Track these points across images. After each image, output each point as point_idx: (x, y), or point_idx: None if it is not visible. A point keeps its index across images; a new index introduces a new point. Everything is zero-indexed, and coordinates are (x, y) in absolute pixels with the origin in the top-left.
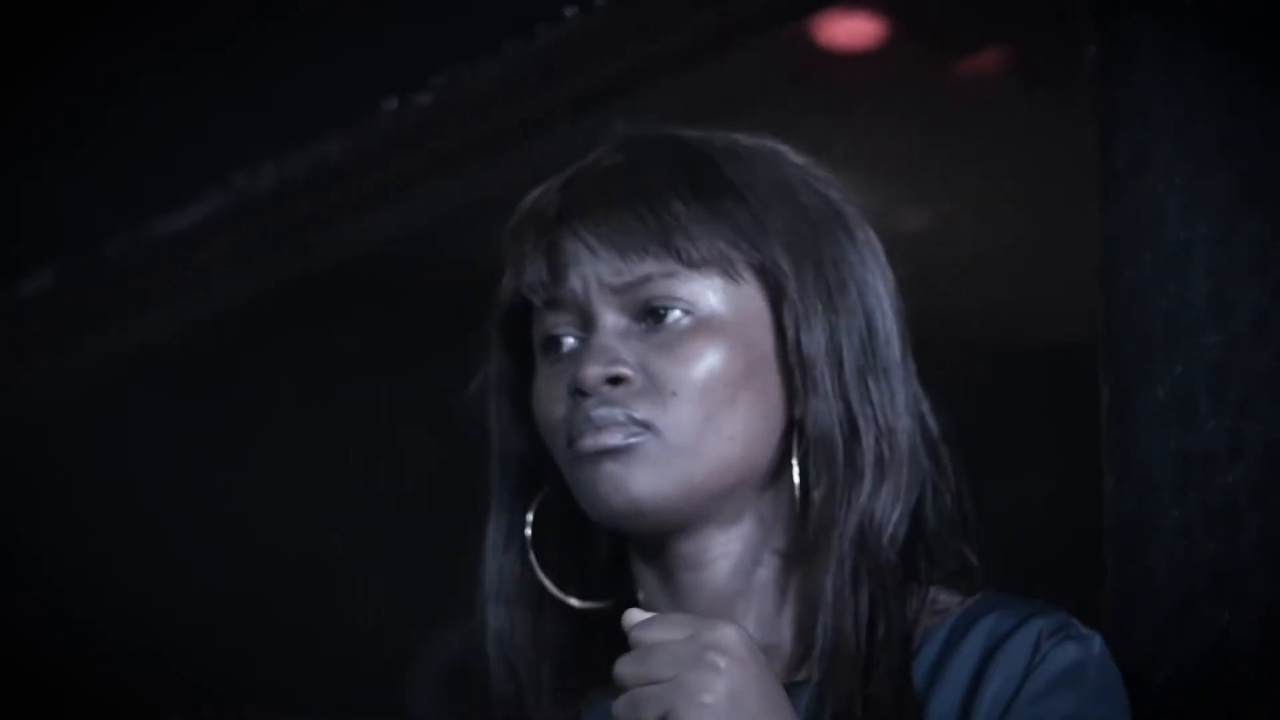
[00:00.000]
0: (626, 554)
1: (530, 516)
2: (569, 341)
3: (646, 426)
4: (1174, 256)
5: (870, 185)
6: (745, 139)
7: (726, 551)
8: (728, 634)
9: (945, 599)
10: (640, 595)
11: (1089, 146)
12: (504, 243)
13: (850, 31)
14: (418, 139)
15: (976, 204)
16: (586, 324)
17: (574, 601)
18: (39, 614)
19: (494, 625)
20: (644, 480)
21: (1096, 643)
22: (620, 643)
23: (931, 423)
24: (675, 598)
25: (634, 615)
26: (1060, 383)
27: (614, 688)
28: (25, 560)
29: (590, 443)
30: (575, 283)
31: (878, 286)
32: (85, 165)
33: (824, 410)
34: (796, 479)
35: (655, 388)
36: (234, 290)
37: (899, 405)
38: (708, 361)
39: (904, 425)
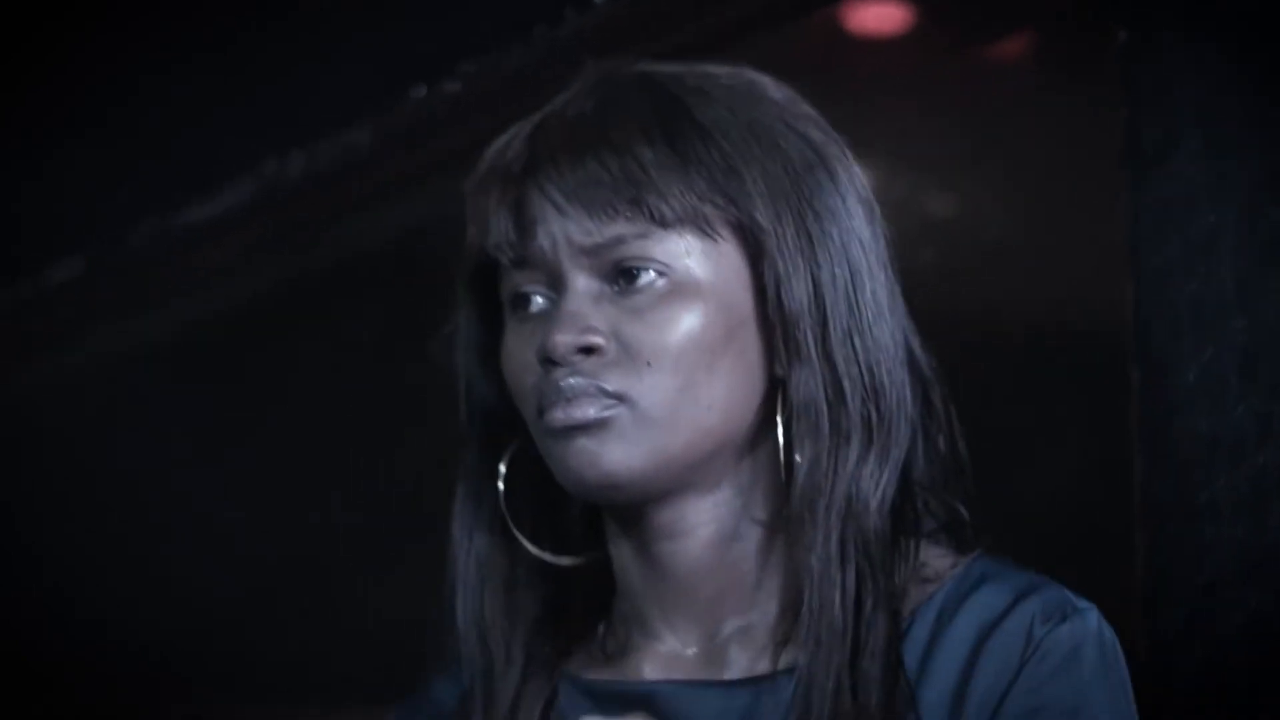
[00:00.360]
0: (601, 515)
1: (503, 469)
2: (538, 300)
3: (620, 398)
4: (1202, 240)
5: (897, 172)
6: (723, 76)
7: (704, 520)
8: None
9: (935, 563)
10: (613, 549)
11: (1116, 132)
12: (468, 196)
13: (878, 17)
14: (446, 127)
15: (1004, 190)
16: (556, 284)
17: (548, 557)
18: (41, 612)
19: (465, 588)
20: (618, 455)
21: (1092, 617)
22: (596, 604)
23: (923, 364)
24: (652, 569)
25: None
26: (1090, 367)
27: (590, 661)
28: (36, 552)
29: (561, 415)
30: (543, 241)
31: (862, 232)
32: (109, 155)
33: (808, 375)
34: (781, 442)
35: (629, 357)
36: (257, 279)
37: (888, 359)
38: (684, 327)
39: (894, 379)
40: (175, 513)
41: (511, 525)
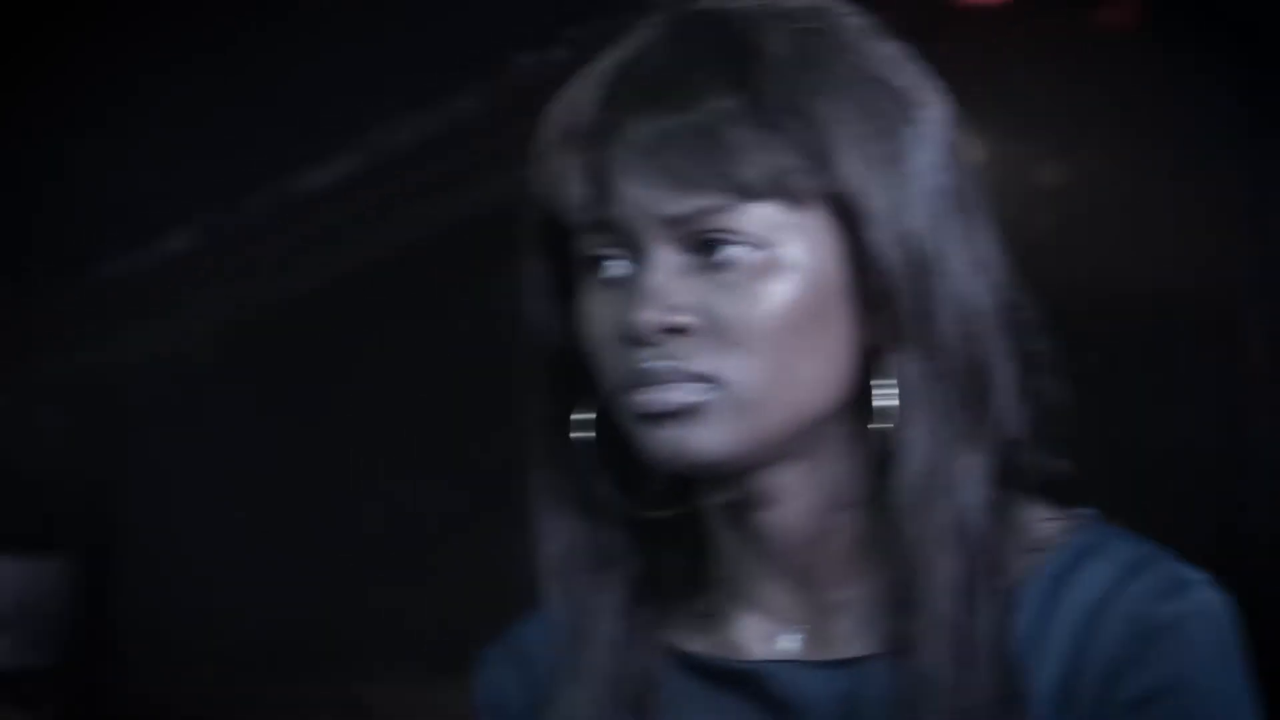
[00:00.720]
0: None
1: (582, 417)
2: (617, 265)
3: (710, 381)
4: None
5: (1011, 140)
6: (801, 14)
7: (799, 490)
8: None
9: (1040, 528)
10: (705, 512)
11: (1232, 95)
12: (537, 148)
13: None
14: (551, 94)
15: (1118, 156)
16: (636, 252)
17: (638, 512)
18: (160, 593)
19: (550, 552)
20: (706, 441)
21: (1205, 591)
22: (687, 564)
23: (1021, 312)
24: (747, 537)
25: None
26: (1204, 329)
27: (688, 629)
28: (150, 528)
29: (646, 400)
30: (622, 209)
31: (954, 185)
32: (222, 126)
33: (903, 347)
34: (877, 417)
35: (717, 336)
36: (365, 247)
37: (986, 320)
38: (775, 303)
39: (993, 342)
40: (286, 486)
41: (592, 475)
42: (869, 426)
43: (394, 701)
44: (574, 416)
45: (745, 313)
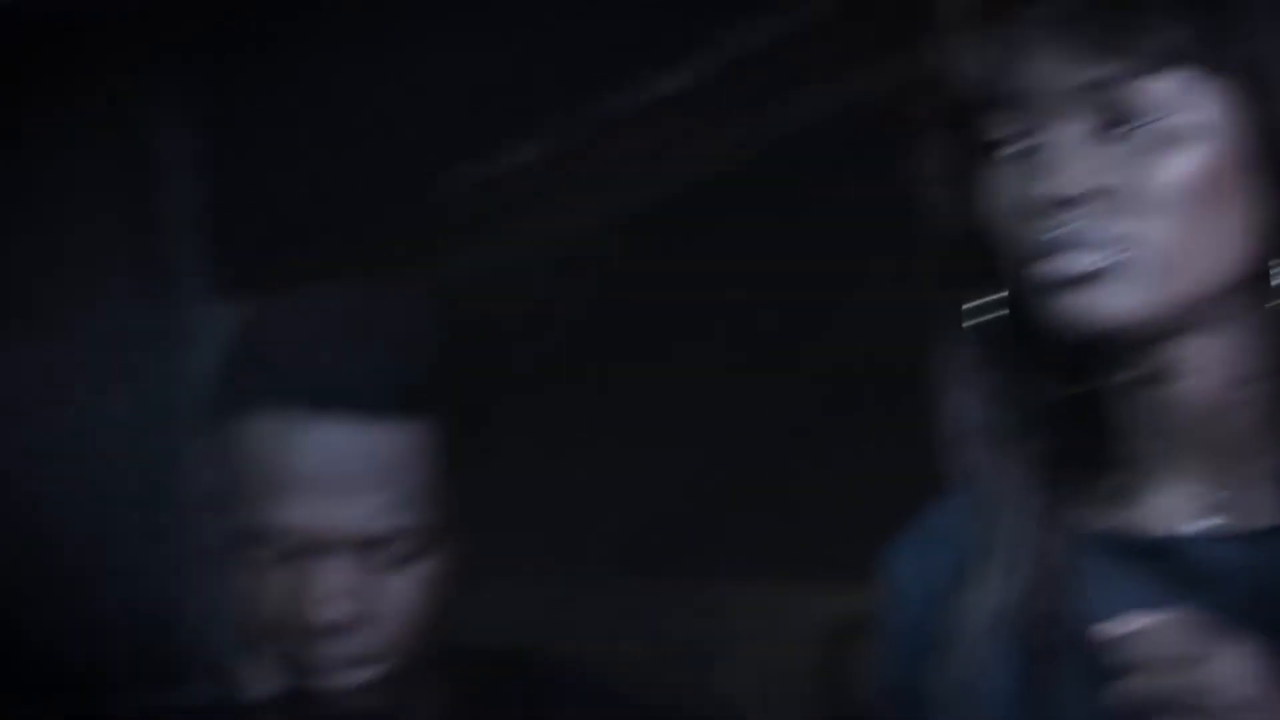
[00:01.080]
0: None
1: (986, 299)
2: (1021, 142)
3: (1118, 247)
4: None
5: None
6: None
7: (1211, 361)
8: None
9: None
10: (1109, 389)
11: None
12: (939, 24)
13: None
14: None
15: None
16: (1041, 126)
17: (1042, 390)
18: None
19: (955, 434)
20: (1116, 303)
21: None
22: (1100, 439)
23: None
24: (1155, 411)
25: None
26: None
27: (1094, 507)
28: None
29: (1055, 268)
30: (1028, 82)
31: None
32: (565, 34)
33: None
34: None
35: (1125, 204)
36: (709, 156)
37: None
38: (1182, 171)
39: None
40: (633, 395)
41: (1003, 362)
42: (1277, 298)
43: (747, 602)
44: (977, 299)
45: (1152, 181)
